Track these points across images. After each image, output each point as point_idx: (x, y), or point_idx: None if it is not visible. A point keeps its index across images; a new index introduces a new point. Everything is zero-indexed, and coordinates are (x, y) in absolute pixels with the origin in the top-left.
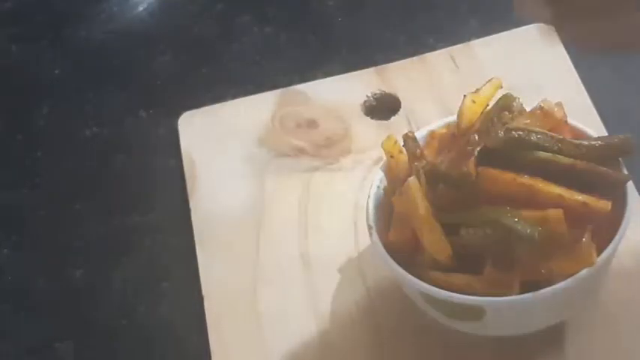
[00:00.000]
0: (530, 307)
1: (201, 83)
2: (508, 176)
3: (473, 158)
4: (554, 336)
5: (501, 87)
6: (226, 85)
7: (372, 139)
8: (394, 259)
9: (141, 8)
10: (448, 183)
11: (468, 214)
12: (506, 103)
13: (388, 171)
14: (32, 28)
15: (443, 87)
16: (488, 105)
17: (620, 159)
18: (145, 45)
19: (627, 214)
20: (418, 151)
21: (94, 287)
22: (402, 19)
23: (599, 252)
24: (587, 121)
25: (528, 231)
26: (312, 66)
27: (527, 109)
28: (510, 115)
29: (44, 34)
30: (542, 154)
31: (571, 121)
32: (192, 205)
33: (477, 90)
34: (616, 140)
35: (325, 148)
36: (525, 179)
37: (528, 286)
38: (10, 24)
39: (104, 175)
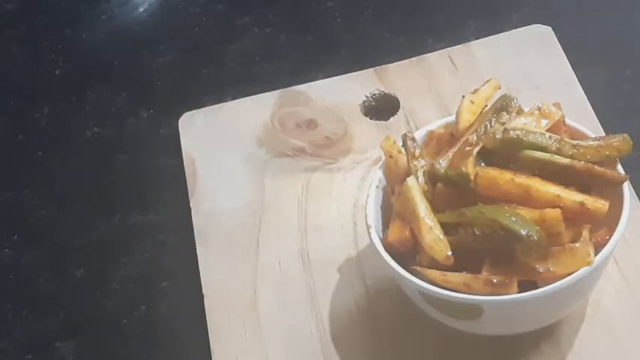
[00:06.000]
0: (528, 306)
1: (201, 84)
2: (506, 176)
3: (471, 158)
4: (550, 333)
5: (499, 87)
6: (226, 85)
7: (371, 140)
8: (393, 258)
9: (141, 9)
10: (447, 183)
11: (467, 213)
12: (504, 104)
13: (387, 171)
14: (33, 28)
15: (441, 87)
16: (486, 105)
17: (617, 159)
18: (146, 46)
19: (624, 213)
20: (417, 151)
21: (95, 287)
22: (401, 20)
23: (597, 251)
24: (584, 121)
25: (526, 231)
26: (312, 66)
27: (525, 110)
28: (508, 116)
29: (45, 35)
30: (540, 154)
31: (569, 121)
32: (192, 204)
33: (476, 90)
34: (613, 140)
35: (325, 148)
36: (523, 179)
37: (526, 286)
38: (11, 25)
39: (104, 175)
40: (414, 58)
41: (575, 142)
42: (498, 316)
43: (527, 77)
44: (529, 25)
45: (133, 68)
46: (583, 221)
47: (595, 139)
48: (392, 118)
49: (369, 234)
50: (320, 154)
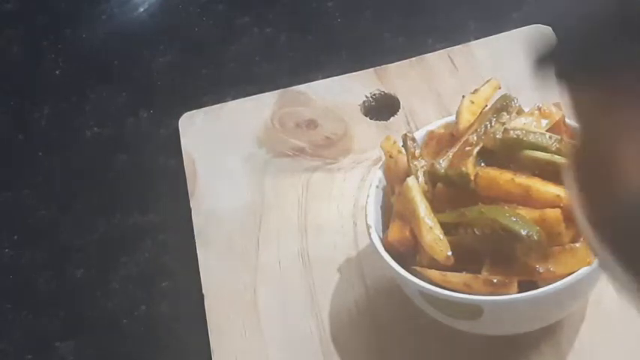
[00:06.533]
0: (527, 306)
1: (201, 84)
2: (506, 176)
3: (471, 158)
4: (550, 333)
5: (499, 87)
6: (226, 85)
7: (371, 140)
8: (393, 258)
9: (141, 9)
10: (447, 183)
11: (467, 213)
12: (504, 104)
13: (387, 171)
14: (33, 28)
15: (442, 87)
16: (486, 105)
17: None
18: (146, 46)
19: None
20: (417, 151)
21: (95, 287)
22: (401, 20)
23: None
24: None
25: (526, 231)
26: (312, 66)
27: (526, 110)
28: (508, 116)
29: (45, 35)
30: (540, 154)
31: (569, 121)
32: (192, 204)
33: (476, 90)
34: None
35: (325, 148)
36: (523, 179)
37: (526, 286)
38: (11, 25)
39: (104, 175)
40: (414, 58)
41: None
42: (498, 316)
43: (527, 77)
44: (529, 25)
45: (133, 68)
46: None
47: None
48: (392, 118)
49: (369, 234)
50: (320, 154)
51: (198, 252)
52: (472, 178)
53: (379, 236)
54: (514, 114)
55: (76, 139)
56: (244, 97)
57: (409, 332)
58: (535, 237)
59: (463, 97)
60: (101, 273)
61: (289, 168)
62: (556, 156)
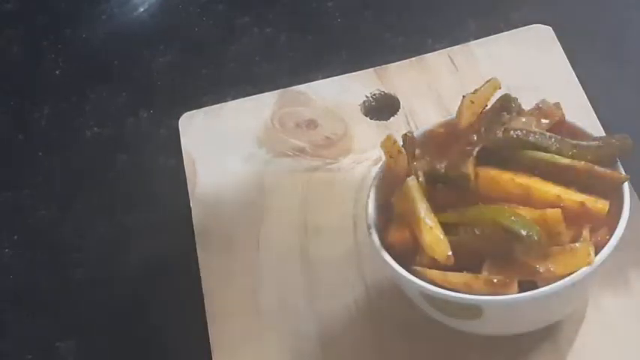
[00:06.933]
0: (528, 306)
1: (201, 84)
2: (506, 176)
3: (472, 158)
4: (550, 333)
5: (500, 87)
6: (226, 85)
7: (371, 140)
8: (393, 258)
9: (141, 9)
10: (447, 183)
11: (467, 213)
12: (504, 104)
13: (387, 171)
14: (33, 28)
15: (442, 87)
16: (486, 105)
17: (617, 159)
18: (146, 46)
19: (625, 213)
20: (417, 151)
21: (95, 286)
22: (401, 20)
23: (597, 251)
24: (585, 121)
25: (526, 230)
26: (312, 66)
27: (526, 110)
28: (509, 116)
29: (45, 35)
30: (541, 154)
31: (569, 121)
32: (192, 204)
33: (476, 90)
34: (614, 140)
35: (325, 148)
36: (524, 179)
37: (526, 286)
38: (11, 25)
39: (104, 175)
40: (414, 58)
41: (575, 142)
42: (498, 316)
43: (527, 77)
44: (529, 25)
45: (133, 68)
46: (583, 221)
47: (595, 139)
48: (392, 118)
49: (369, 234)
50: (320, 154)
51: (198, 251)
52: (472, 178)
53: (379, 236)
54: (514, 114)
55: (76, 139)
56: (244, 97)
57: (409, 332)
58: (535, 237)
59: (463, 97)
60: (101, 273)
61: (289, 168)
62: (556, 156)
